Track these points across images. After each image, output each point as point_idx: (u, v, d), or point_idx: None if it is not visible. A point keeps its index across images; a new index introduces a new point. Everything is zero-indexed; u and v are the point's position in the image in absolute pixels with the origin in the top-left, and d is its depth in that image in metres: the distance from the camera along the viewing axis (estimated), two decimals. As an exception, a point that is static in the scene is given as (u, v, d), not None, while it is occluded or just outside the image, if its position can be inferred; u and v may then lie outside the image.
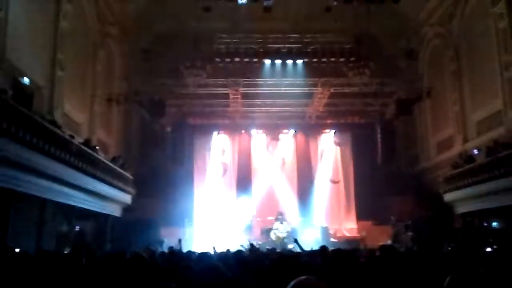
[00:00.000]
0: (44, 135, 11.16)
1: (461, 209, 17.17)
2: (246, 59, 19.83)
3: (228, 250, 10.26)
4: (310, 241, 16.68)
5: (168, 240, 17.66)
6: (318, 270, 5.28)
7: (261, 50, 19.99)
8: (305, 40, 20.39)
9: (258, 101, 22.11)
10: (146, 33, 21.97)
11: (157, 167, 21.92)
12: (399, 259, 5.90)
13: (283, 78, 20.34)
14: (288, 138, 23.91)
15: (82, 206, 14.33)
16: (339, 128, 23.87)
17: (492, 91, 16.27)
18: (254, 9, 18.44)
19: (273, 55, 20.01)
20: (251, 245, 13.03)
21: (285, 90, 20.91)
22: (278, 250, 12.54)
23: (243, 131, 23.90)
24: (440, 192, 18.28)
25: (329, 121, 23.73)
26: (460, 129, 18.75)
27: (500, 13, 15.55)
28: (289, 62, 20.07)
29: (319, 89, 20.75)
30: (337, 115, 23.31)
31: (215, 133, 23.66)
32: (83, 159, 13.68)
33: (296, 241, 10.46)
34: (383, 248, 6.87)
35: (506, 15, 15.30)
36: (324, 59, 19.67)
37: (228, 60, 19.70)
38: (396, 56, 21.70)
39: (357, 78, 19.82)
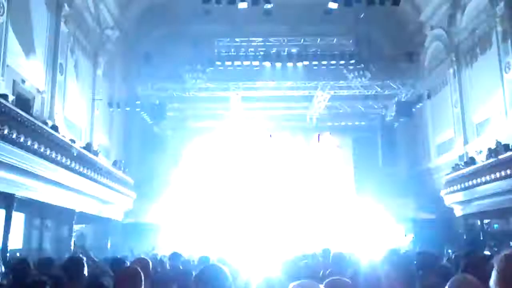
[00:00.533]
0: (45, 139, 11.17)
1: (462, 211, 17.14)
2: (247, 62, 19.88)
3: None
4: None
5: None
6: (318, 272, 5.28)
7: (261, 53, 20.03)
8: (305, 43, 20.44)
9: (258, 104, 22.13)
10: (146, 37, 22.00)
11: (157, 171, 21.91)
12: (402, 261, 5.89)
13: (283, 81, 20.37)
14: (288, 141, 23.91)
15: (82, 210, 14.32)
16: (340, 130, 23.88)
17: (492, 93, 16.27)
18: (254, 12, 18.47)
19: (273, 58, 20.05)
20: None
21: (285, 93, 20.93)
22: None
23: (243, 134, 23.91)
24: (441, 194, 18.25)
25: (329, 124, 23.74)
26: (461, 131, 18.74)
27: (500, 15, 15.58)
28: (289, 65, 20.10)
29: (320, 92, 20.77)
30: (337, 118, 23.32)
31: (215, 136, 23.66)
32: (84, 163, 13.68)
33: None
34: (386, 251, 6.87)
35: (506, 17, 15.34)
36: (324, 62, 19.71)
37: (229, 63, 19.77)
38: (396, 58, 21.70)
39: (357, 80, 19.85)
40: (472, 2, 17.64)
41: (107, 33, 19.35)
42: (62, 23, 15.03)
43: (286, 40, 20.66)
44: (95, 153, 15.55)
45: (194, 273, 3.55)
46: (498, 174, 13.89)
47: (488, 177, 14.52)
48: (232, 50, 19.82)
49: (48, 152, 11.19)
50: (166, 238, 18.86)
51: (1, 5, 11.41)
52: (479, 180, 15.16)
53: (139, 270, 3.56)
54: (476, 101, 17.85)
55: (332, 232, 21.06)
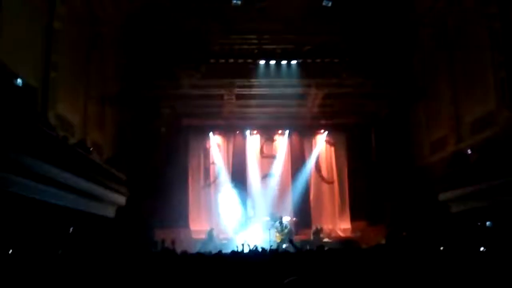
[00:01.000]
0: (37, 136, 11.09)
1: (455, 208, 17.20)
2: (241, 60, 19.86)
3: (220, 251, 10.27)
4: (305, 241, 16.72)
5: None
6: (313, 269, 5.28)
7: (256, 51, 20.01)
8: (300, 40, 20.42)
9: (252, 102, 22.12)
10: (140, 34, 21.88)
11: (151, 168, 21.83)
12: (394, 258, 5.91)
13: (278, 79, 20.35)
14: (282, 139, 23.92)
15: (75, 207, 14.24)
16: (334, 129, 23.94)
17: (485, 91, 16.32)
18: (249, 9, 18.45)
19: (267, 56, 20.03)
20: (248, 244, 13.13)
21: (279, 91, 20.93)
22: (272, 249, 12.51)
23: (237, 132, 23.91)
24: (434, 191, 18.31)
25: (323, 122, 23.75)
26: (454, 129, 18.80)
27: (494, 13, 15.62)
28: (284, 62, 20.10)
29: (313, 90, 20.77)
30: (331, 116, 23.34)
31: (209, 134, 23.64)
32: (77, 160, 13.61)
33: (291, 241, 10.49)
34: (378, 247, 6.90)
35: (499, 16, 15.38)
36: (318, 60, 19.71)
37: (223, 60, 19.74)
38: (390, 56, 21.73)
39: (351, 78, 19.87)
40: (466, 1, 17.69)
41: (100, 29, 19.24)
42: (55, 19, 14.90)
43: (280, 38, 20.62)
44: (88, 150, 15.47)
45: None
46: (491, 172, 13.96)
47: (481, 175, 14.59)
48: (226, 47, 19.78)
49: (40, 149, 11.11)
50: (160, 235, 18.78)
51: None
52: (472, 178, 15.23)
53: None
54: (470, 99, 17.91)
55: (326, 231, 21.20)
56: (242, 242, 12.21)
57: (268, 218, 20.37)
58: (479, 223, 16.83)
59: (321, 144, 23.93)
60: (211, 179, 23.47)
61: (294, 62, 20.19)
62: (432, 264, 5.34)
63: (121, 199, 18.61)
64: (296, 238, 19.96)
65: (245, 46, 20.20)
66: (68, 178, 13.01)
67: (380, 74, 20.64)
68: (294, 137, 23.99)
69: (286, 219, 20.24)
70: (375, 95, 21.37)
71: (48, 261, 5.14)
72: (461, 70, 18.54)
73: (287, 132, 23.79)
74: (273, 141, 23.90)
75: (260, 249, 10.33)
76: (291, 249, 10.27)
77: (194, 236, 20.78)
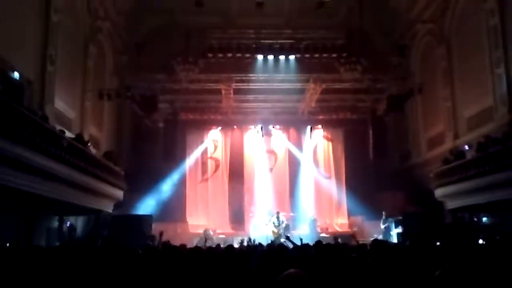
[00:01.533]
0: (34, 130, 11.08)
1: (451, 204, 17.26)
2: (239, 55, 19.87)
3: (218, 245, 10.30)
4: (302, 236, 16.69)
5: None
6: (308, 264, 5.30)
7: (254, 46, 20.01)
8: (298, 35, 20.42)
9: (250, 97, 22.12)
10: (138, 28, 21.85)
11: (149, 163, 21.86)
12: (391, 254, 5.93)
13: (276, 73, 20.34)
14: (280, 134, 23.93)
15: (72, 201, 14.23)
16: (331, 124, 23.95)
17: (483, 87, 16.36)
18: (247, 4, 18.42)
19: (265, 51, 20.04)
20: (249, 239, 13.18)
21: (277, 85, 20.93)
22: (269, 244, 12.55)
23: (235, 127, 23.90)
24: (431, 187, 18.37)
25: (321, 117, 23.76)
26: (451, 125, 18.86)
27: (491, 9, 15.64)
28: (282, 57, 20.10)
29: (311, 85, 20.78)
30: (329, 111, 23.35)
31: (207, 128, 23.64)
32: (74, 154, 13.59)
33: (288, 238, 10.51)
34: (375, 243, 6.92)
35: (497, 12, 15.40)
36: (316, 55, 19.74)
37: (221, 55, 19.73)
38: (387, 53, 21.75)
39: (349, 74, 19.88)
40: (464, -3, 17.72)
41: (98, 23, 19.18)
42: (52, 13, 14.85)
43: (278, 33, 20.60)
44: (86, 144, 15.46)
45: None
46: (487, 168, 14.00)
47: (477, 171, 14.63)
48: (224, 42, 19.75)
49: (37, 143, 11.10)
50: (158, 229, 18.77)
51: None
52: (468, 174, 15.28)
53: None
54: (467, 95, 17.96)
55: (323, 226, 21.25)
56: (242, 238, 12.24)
57: (265, 213, 20.40)
58: (475, 219, 16.93)
59: (318, 139, 23.95)
60: (209, 173, 23.49)
61: (292, 57, 20.19)
62: (429, 259, 5.37)
63: (119, 193, 18.61)
64: (294, 233, 20.05)
65: (243, 41, 20.19)
66: (65, 172, 12.99)
67: (377, 70, 20.65)
68: (291, 132, 24.00)
69: (283, 214, 20.29)
70: (372, 90, 21.39)
71: (43, 255, 5.14)
72: (459, 67, 18.58)
73: (284, 127, 23.79)
74: (271, 136, 23.90)
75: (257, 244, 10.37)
76: (289, 245, 10.29)
77: (192, 230, 20.82)
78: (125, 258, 4.32)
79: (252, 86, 21.06)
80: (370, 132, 21.67)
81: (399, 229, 18.13)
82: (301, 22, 21.22)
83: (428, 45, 20.84)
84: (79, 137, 15.29)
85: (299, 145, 23.84)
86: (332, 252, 6.21)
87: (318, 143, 23.99)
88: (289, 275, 2.37)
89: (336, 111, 23.20)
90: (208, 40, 19.87)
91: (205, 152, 23.65)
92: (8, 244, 10.64)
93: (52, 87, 14.92)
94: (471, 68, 17.49)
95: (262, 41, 20.24)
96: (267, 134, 23.83)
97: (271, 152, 23.89)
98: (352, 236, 11.12)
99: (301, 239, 10.10)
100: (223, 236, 19.81)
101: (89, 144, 16.13)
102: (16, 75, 13.12)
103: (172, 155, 21.45)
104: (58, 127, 13.67)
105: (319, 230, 19.94)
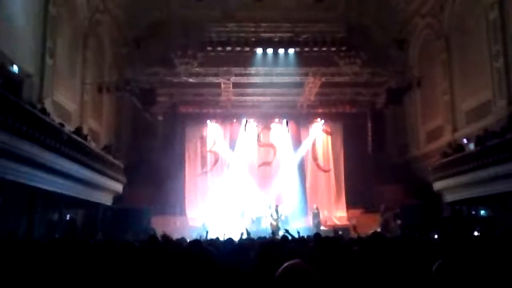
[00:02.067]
0: (34, 123, 11.08)
1: (449, 197, 17.33)
2: (238, 48, 19.80)
3: (217, 238, 10.33)
4: (305, 229, 16.77)
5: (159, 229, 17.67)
6: (306, 256, 5.34)
7: (253, 39, 19.94)
8: (297, 29, 20.36)
9: (249, 90, 22.09)
10: (137, 21, 21.79)
11: (148, 156, 21.88)
12: (389, 246, 5.96)
13: (275, 67, 20.30)
14: (279, 127, 23.92)
15: (72, 194, 14.28)
16: (330, 117, 23.93)
17: (481, 81, 16.37)
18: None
19: (264, 44, 19.96)
20: (247, 232, 13.23)
21: (276, 79, 20.91)
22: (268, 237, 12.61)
23: (234, 120, 23.88)
24: (429, 181, 18.43)
25: (320, 110, 23.76)
26: (450, 118, 18.88)
27: (491, 3, 15.62)
28: (281, 51, 20.03)
29: (311, 78, 20.76)
30: (328, 104, 23.34)
31: (206, 122, 23.62)
32: (74, 148, 13.61)
33: (287, 231, 10.55)
34: (374, 235, 6.95)
35: (497, 6, 15.38)
36: (316, 48, 19.68)
37: (220, 49, 19.66)
38: (387, 46, 21.74)
39: (348, 67, 19.87)
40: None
41: (97, 17, 19.13)
42: (51, 6, 14.81)
43: (277, 26, 20.54)
44: (85, 138, 15.47)
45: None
46: (485, 161, 14.05)
47: (476, 164, 14.68)
48: (224, 35, 19.69)
49: (37, 136, 11.12)
50: (157, 223, 18.85)
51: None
52: (467, 167, 15.33)
53: None
54: (465, 89, 17.97)
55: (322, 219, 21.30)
56: (241, 231, 12.32)
57: (264, 206, 20.45)
58: (473, 212, 17.00)
59: (317, 133, 23.94)
60: (208, 167, 23.50)
61: (291, 50, 20.14)
62: (428, 253, 5.40)
63: (118, 187, 18.66)
64: (293, 226, 20.10)
65: (243, 34, 20.12)
66: (64, 165, 13.02)
67: (376, 64, 20.63)
68: (290, 125, 23.97)
69: (282, 208, 20.34)
70: (371, 84, 21.39)
71: (43, 247, 5.17)
72: (457, 60, 18.57)
73: (284, 120, 23.77)
74: (270, 129, 23.89)
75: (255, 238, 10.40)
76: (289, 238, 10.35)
77: (191, 223, 20.86)
78: (123, 252, 4.32)
79: (251, 79, 21.03)
80: (369, 125, 21.69)
81: (398, 222, 18.21)
82: (300, 15, 21.16)
83: (427, 38, 20.82)
84: (78, 130, 15.30)
85: (298, 139, 23.84)
86: (332, 245, 6.23)
87: (317, 137, 23.99)
88: (292, 266, 2.38)
89: (335, 105, 23.19)
90: (207, 34, 19.80)
91: (204, 145, 23.64)
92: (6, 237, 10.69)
93: (51, 80, 14.92)
94: (470, 62, 17.49)
95: (261, 34, 20.18)
96: (266, 127, 23.82)
97: (270, 146, 23.90)
98: (354, 227, 11.17)
99: (298, 232, 10.15)
100: (222, 229, 19.84)
101: (88, 137, 16.14)
102: (15, 68, 13.12)
103: (171, 148, 21.49)
104: (58, 121, 13.68)
105: (322, 227, 19.87)
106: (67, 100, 16.88)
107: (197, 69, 19.87)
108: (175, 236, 9.74)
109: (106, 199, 17.98)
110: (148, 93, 19.03)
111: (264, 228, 19.22)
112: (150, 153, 21.86)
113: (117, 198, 18.92)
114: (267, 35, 20.17)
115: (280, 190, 22.72)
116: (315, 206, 20.80)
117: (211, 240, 9.49)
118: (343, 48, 19.53)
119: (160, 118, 22.11)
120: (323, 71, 20.42)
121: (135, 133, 22.71)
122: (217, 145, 23.61)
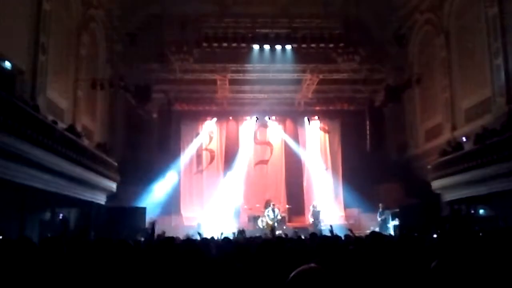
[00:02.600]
0: (26, 120, 10.88)
1: (448, 196, 17.22)
2: (234, 44, 19.51)
3: (212, 237, 10.17)
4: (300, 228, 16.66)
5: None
6: (305, 256, 5.15)
7: (249, 35, 19.67)
8: (294, 25, 20.12)
9: (246, 87, 21.88)
10: (131, 17, 21.52)
11: (142, 154, 21.62)
12: (387, 245, 5.81)
13: (272, 64, 20.07)
14: (276, 125, 23.72)
15: (65, 193, 14.06)
16: (328, 115, 23.75)
17: (481, 79, 16.24)
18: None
19: (261, 41, 19.69)
20: (242, 231, 13.07)
21: (273, 76, 20.70)
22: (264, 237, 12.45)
23: (230, 118, 23.67)
24: (428, 179, 18.30)
25: (317, 108, 23.56)
26: (449, 116, 18.74)
27: (491, 0, 15.46)
28: (278, 47, 19.78)
29: (308, 75, 20.57)
30: (326, 102, 23.14)
31: (202, 119, 23.39)
32: (67, 145, 13.39)
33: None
34: (372, 235, 6.79)
35: (496, 2, 15.23)
36: (313, 45, 19.43)
37: (216, 45, 19.36)
38: (386, 43, 21.54)
39: (347, 64, 19.68)
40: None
41: (91, 12, 18.86)
42: (44, 1, 14.54)
43: (274, 22, 20.30)
44: (78, 135, 15.24)
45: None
46: (484, 160, 13.93)
47: (475, 163, 14.56)
48: (220, 31, 19.41)
49: (29, 133, 10.90)
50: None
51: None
52: (466, 166, 15.20)
53: None
54: (465, 86, 17.83)
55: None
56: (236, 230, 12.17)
57: (261, 206, 20.27)
58: (472, 211, 16.86)
59: (315, 131, 23.75)
60: (203, 165, 23.27)
61: (288, 47, 19.91)
62: (427, 251, 5.24)
63: (112, 185, 18.43)
64: (289, 226, 19.94)
65: (239, 30, 19.86)
66: (57, 163, 12.80)
67: (375, 60, 20.45)
68: (288, 123, 23.79)
69: (279, 207, 20.15)
70: (370, 81, 21.21)
71: (36, 247, 4.99)
72: (457, 57, 18.42)
73: (280, 118, 23.57)
74: (267, 127, 23.69)
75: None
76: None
77: (186, 223, 20.65)
78: (117, 251, 4.19)
79: (248, 76, 20.82)
80: (368, 123, 21.49)
81: (396, 221, 18.07)
82: (297, 11, 20.93)
83: (427, 35, 20.65)
84: (71, 128, 15.08)
85: (295, 137, 23.64)
86: (329, 244, 6.05)
87: (314, 135, 23.79)
88: (307, 270, 2.22)
89: (333, 102, 22.97)
90: (203, 29, 19.52)
91: (200, 143, 23.40)
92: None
93: (44, 76, 14.66)
94: (469, 59, 17.36)
95: (258, 30, 19.93)
96: (263, 125, 23.60)
97: (267, 144, 23.69)
98: (349, 230, 11.04)
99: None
100: (218, 228, 19.65)
101: (81, 134, 15.91)
102: (7, 64, 12.88)
103: (166, 146, 21.20)
104: (50, 118, 13.45)
105: (322, 222, 19.66)
106: (60, 97, 16.63)
107: (192, 65, 19.63)
108: (170, 235, 9.52)
109: (100, 198, 17.75)
110: (142, 90, 18.73)
111: (261, 227, 19.05)
112: (145, 151, 21.58)
113: (111, 196, 18.68)
114: (264, 30, 19.92)
115: (277, 188, 22.55)
116: (314, 204, 20.59)
117: (205, 239, 9.29)
118: (341, 45, 19.29)
119: (154, 115, 21.84)
120: (321, 68, 20.24)
121: (129, 131, 22.43)
122: (213, 143, 23.39)
